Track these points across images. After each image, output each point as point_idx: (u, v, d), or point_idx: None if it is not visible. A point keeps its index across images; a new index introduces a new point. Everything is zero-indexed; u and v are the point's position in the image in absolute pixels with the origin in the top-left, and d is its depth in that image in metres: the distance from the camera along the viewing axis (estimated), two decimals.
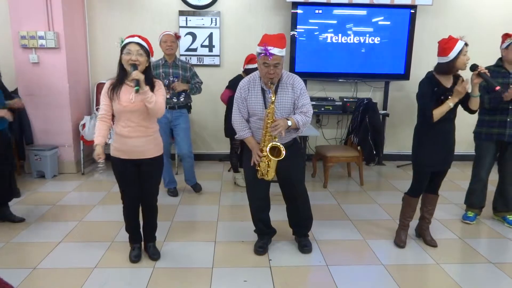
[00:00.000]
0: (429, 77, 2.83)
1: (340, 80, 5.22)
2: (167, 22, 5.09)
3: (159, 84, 2.61)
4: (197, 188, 4.18)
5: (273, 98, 2.57)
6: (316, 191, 4.32)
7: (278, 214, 3.16)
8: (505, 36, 3.25)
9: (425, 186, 2.97)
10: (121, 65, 2.54)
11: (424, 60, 5.01)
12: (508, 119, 3.24)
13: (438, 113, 2.72)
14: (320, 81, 5.32)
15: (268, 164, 2.66)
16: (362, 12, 4.99)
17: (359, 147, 4.51)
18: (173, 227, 3.36)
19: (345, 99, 5.12)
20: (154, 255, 2.81)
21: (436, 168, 2.92)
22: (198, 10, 5.09)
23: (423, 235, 3.12)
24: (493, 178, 3.51)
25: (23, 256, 2.86)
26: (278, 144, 2.58)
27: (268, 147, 2.59)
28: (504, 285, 2.58)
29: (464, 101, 2.82)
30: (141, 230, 2.85)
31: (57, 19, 4.45)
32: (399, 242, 3.05)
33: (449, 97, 2.72)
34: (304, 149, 4.41)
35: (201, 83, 4.00)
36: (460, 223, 3.52)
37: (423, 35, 5.19)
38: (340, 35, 5.06)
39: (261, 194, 2.88)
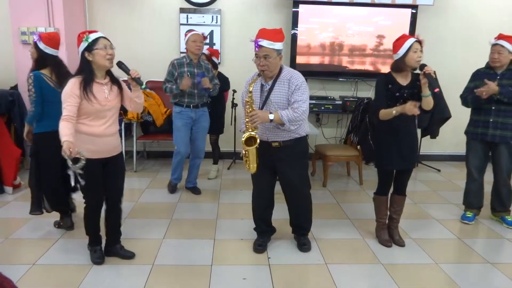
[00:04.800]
0: (385, 74, 2.85)
1: (341, 79, 5.22)
2: (168, 19, 5.08)
3: (122, 82, 2.64)
4: (196, 191, 4.14)
5: (251, 88, 2.61)
6: (316, 190, 4.30)
7: (278, 213, 3.15)
8: (498, 37, 3.22)
9: (391, 184, 3.00)
10: (86, 62, 2.44)
11: (425, 60, 4.97)
12: (491, 120, 3.26)
13: (383, 113, 2.75)
14: (320, 80, 5.31)
15: (246, 154, 2.65)
16: (363, 11, 4.99)
17: (358, 146, 4.51)
18: (172, 224, 3.36)
19: (345, 98, 5.12)
20: (127, 254, 2.76)
21: (396, 167, 2.92)
22: (199, 7, 5.09)
23: (392, 234, 3.09)
24: (491, 178, 3.51)
25: (22, 252, 2.86)
26: (254, 133, 2.56)
27: (243, 138, 2.59)
28: (502, 285, 2.58)
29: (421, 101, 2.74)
30: (109, 232, 2.78)
31: (57, 15, 4.43)
32: (385, 242, 3.05)
33: (403, 98, 2.73)
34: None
35: (219, 85, 4.00)
36: (459, 223, 3.52)
37: (424, 35, 5.16)
38: (341, 34, 5.06)
39: (264, 193, 2.88)
